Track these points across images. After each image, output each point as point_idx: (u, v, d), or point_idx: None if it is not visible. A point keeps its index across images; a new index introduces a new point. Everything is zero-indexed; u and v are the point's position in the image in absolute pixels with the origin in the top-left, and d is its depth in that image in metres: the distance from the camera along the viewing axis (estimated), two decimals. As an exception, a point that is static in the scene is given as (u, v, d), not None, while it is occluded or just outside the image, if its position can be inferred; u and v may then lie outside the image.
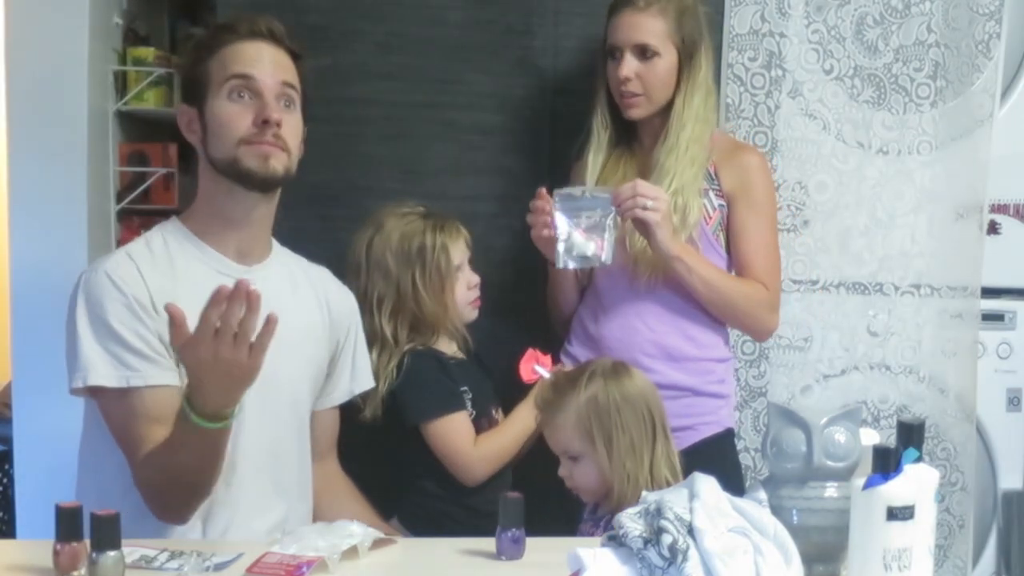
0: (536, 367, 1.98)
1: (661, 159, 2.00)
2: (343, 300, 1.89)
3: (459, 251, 2.03)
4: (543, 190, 1.90)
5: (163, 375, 1.61)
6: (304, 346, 1.78)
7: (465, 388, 2.01)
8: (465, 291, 2.04)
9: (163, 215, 2.55)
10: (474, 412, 2.01)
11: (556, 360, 2.06)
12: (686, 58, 2.01)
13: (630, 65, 1.98)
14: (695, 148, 2.01)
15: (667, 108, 2.03)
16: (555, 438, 1.77)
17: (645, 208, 1.88)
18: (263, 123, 1.65)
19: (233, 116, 1.66)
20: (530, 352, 2.02)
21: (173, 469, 1.54)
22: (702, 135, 2.02)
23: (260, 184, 1.68)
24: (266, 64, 1.68)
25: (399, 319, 2.00)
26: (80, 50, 2.34)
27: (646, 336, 2.01)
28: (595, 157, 2.07)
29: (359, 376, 1.91)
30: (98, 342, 1.59)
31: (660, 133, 2.03)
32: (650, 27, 1.97)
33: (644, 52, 1.97)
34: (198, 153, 1.73)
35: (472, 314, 2.06)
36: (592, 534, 1.74)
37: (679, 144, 2.00)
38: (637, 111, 2.02)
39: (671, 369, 1.99)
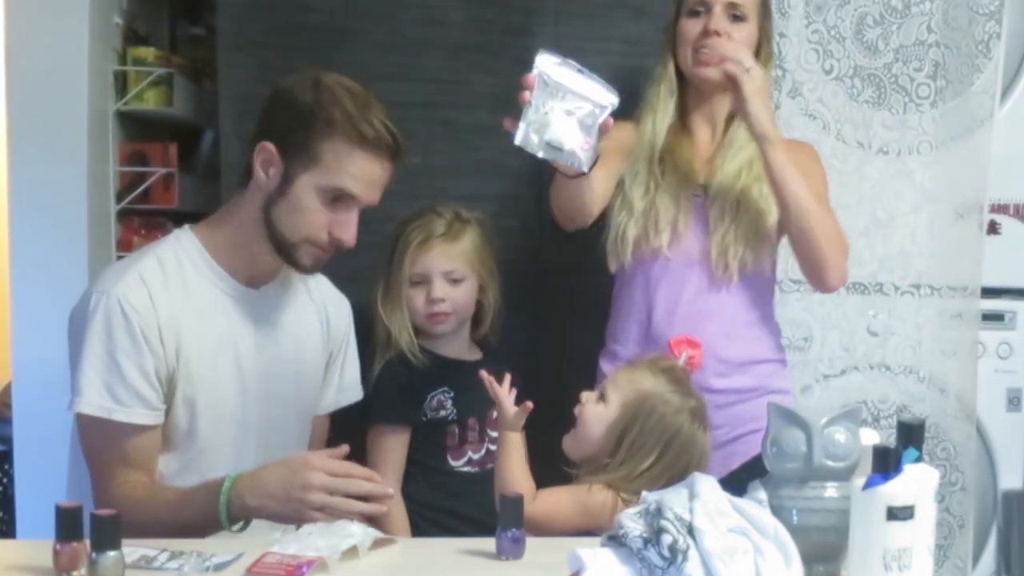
0: (686, 350, 1.83)
1: (736, 137, 1.95)
2: (340, 309, 1.88)
3: (428, 261, 1.98)
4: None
5: (148, 415, 1.62)
6: (305, 361, 1.80)
7: (445, 389, 1.99)
8: (421, 303, 1.98)
9: (163, 215, 2.57)
10: (456, 412, 1.99)
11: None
12: (765, 39, 1.98)
13: (720, 19, 1.92)
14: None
15: (726, 94, 1.96)
16: (617, 377, 1.77)
17: (747, 71, 1.82)
18: (338, 242, 1.66)
19: (318, 219, 1.64)
20: (687, 339, 1.85)
21: (159, 523, 1.55)
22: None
23: (299, 271, 1.70)
24: (375, 187, 1.66)
25: (377, 318, 2.01)
26: (80, 50, 2.34)
27: (714, 344, 1.91)
28: (661, 120, 1.98)
29: (346, 388, 1.91)
30: (96, 371, 1.60)
31: (716, 116, 1.99)
32: None
33: (734, 11, 1.93)
34: (254, 186, 1.67)
35: (433, 328, 2.01)
36: None
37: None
38: (715, 71, 1.91)
39: (739, 374, 1.94)
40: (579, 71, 1.53)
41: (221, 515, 1.53)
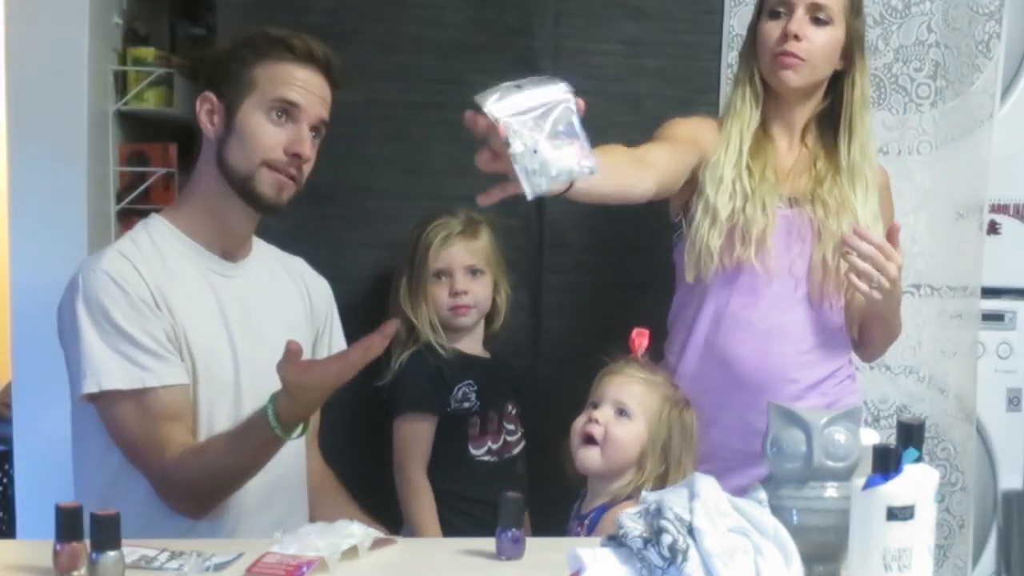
0: (642, 343, 1.81)
1: (854, 158, 1.87)
2: (320, 288, 1.90)
3: (449, 256, 2.04)
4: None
5: (175, 374, 1.62)
6: (291, 335, 1.78)
7: (469, 381, 2.05)
8: (446, 296, 2.05)
9: (163, 215, 2.57)
10: (479, 404, 2.05)
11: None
12: (856, 42, 1.87)
13: (801, 22, 1.82)
14: (872, 167, 1.90)
15: (807, 101, 1.90)
16: (626, 388, 1.74)
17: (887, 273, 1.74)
18: (294, 155, 1.66)
19: (268, 136, 1.65)
20: (641, 330, 1.82)
21: (226, 471, 1.58)
22: (875, 155, 1.94)
23: (264, 209, 1.70)
24: (314, 96, 1.68)
25: (398, 315, 2.05)
26: (80, 50, 2.34)
27: (785, 364, 1.87)
28: (747, 128, 1.88)
29: None
30: (107, 344, 1.58)
31: (795, 124, 1.92)
32: None
33: (817, 14, 1.83)
34: (205, 144, 1.71)
35: (456, 321, 2.06)
36: (578, 533, 1.74)
37: (865, 144, 1.88)
38: (793, 74, 1.83)
39: (813, 395, 1.88)
40: (517, 87, 1.33)
41: (276, 431, 1.54)
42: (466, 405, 2.05)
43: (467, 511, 2.04)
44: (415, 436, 2.04)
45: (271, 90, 1.66)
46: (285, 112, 1.66)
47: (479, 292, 2.07)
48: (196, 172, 1.74)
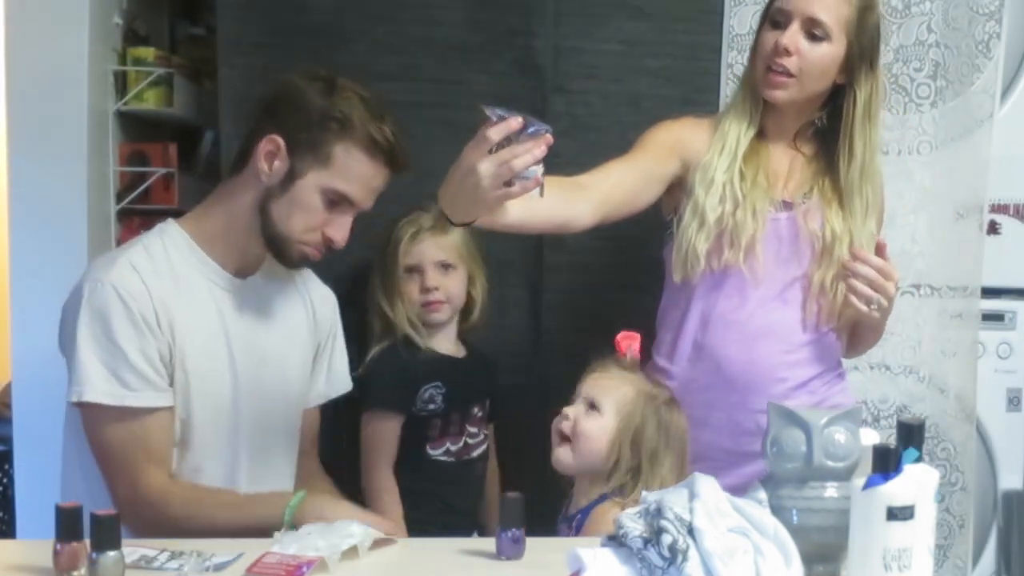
0: (632, 346, 1.80)
1: (852, 178, 1.84)
2: (325, 301, 1.90)
3: (420, 252, 2.04)
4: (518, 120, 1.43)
5: (160, 397, 1.62)
6: (293, 350, 1.80)
7: (437, 384, 2.04)
8: (417, 293, 2.04)
9: (163, 215, 2.55)
10: (443, 407, 2.04)
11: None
12: (860, 59, 1.82)
13: (794, 37, 1.78)
14: (875, 188, 1.88)
15: (802, 111, 1.87)
16: (598, 384, 1.74)
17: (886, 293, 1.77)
18: (330, 241, 1.68)
19: (315, 219, 1.66)
20: (629, 334, 1.82)
21: (202, 523, 1.58)
22: (879, 173, 1.90)
23: (284, 264, 1.72)
24: (373, 194, 1.69)
25: (374, 310, 2.07)
26: (80, 50, 2.34)
27: (771, 365, 1.87)
28: (747, 132, 1.86)
29: (335, 379, 1.92)
30: (99, 358, 1.59)
31: (789, 129, 1.89)
32: (830, 3, 1.79)
33: (813, 29, 1.79)
34: (249, 176, 1.68)
35: (429, 317, 2.06)
36: (566, 535, 1.74)
37: (866, 165, 1.84)
38: (782, 92, 1.81)
39: (802, 393, 1.87)
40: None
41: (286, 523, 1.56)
42: (431, 407, 2.05)
43: (421, 507, 2.04)
44: (382, 434, 2.04)
45: (340, 180, 1.65)
46: (340, 204, 1.67)
47: (451, 287, 2.06)
48: (229, 192, 1.71)
